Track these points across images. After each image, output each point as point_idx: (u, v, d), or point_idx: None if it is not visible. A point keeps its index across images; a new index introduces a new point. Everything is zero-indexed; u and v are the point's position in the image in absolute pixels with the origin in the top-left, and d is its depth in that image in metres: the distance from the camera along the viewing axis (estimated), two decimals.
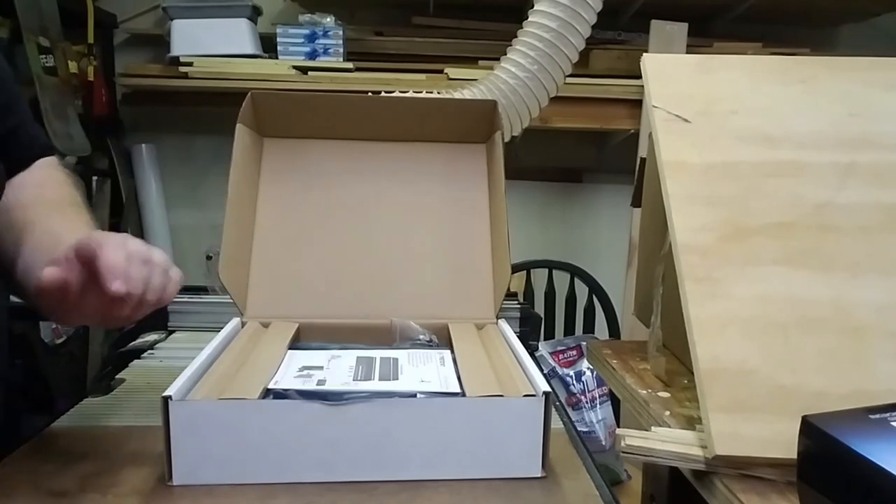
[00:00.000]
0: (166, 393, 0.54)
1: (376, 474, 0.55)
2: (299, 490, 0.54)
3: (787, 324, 0.55)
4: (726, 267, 0.58)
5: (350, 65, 1.96)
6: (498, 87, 1.23)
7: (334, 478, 0.55)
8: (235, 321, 0.77)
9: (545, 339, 1.67)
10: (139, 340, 0.93)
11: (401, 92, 1.27)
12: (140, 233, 2.21)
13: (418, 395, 0.57)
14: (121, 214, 2.19)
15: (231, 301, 0.78)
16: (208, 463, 0.54)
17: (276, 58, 1.97)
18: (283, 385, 0.58)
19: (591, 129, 2.08)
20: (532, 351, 0.71)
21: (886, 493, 0.38)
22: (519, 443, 0.56)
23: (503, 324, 0.81)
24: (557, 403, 0.74)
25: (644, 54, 0.73)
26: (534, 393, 0.56)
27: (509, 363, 0.66)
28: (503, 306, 0.92)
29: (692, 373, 0.55)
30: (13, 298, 0.70)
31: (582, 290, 1.89)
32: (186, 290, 1.10)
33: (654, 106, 0.68)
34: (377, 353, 0.69)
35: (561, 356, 1.57)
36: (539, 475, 0.56)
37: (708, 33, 2.13)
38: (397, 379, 0.61)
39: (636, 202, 0.88)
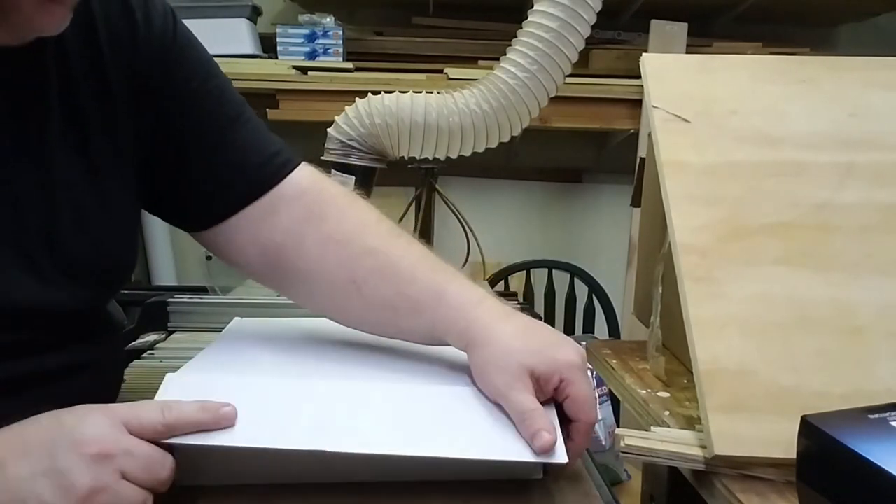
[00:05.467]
0: (160, 390, 0.54)
1: (377, 475, 0.55)
2: (300, 490, 0.54)
3: (786, 324, 0.55)
4: (726, 267, 0.58)
5: (350, 65, 1.96)
6: (498, 87, 1.23)
7: (334, 479, 0.55)
8: (237, 320, 0.77)
9: None
10: (139, 340, 0.93)
11: (400, 92, 1.27)
12: (140, 233, 2.21)
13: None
14: None
15: (231, 301, 0.78)
16: (207, 463, 0.54)
17: (276, 58, 1.97)
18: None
19: (591, 129, 2.07)
20: None
21: (886, 493, 0.38)
22: (520, 444, 0.55)
23: None
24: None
25: (644, 54, 0.73)
26: None
27: None
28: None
29: (692, 373, 0.55)
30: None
31: (582, 290, 1.89)
32: (186, 290, 1.10)
33: (653, 106, 0.68)
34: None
35: None
36: (540, 477, 0.56)
37: (708, 33, 2.13)
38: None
39: (636, 202, 0.88)
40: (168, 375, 0.55)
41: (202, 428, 0.49)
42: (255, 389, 0.54)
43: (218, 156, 0.64)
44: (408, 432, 0.52)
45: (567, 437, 0.54)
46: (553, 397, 0.55)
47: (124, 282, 0.67)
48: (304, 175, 0.68)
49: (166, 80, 0.62)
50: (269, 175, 0.66)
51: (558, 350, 0.55)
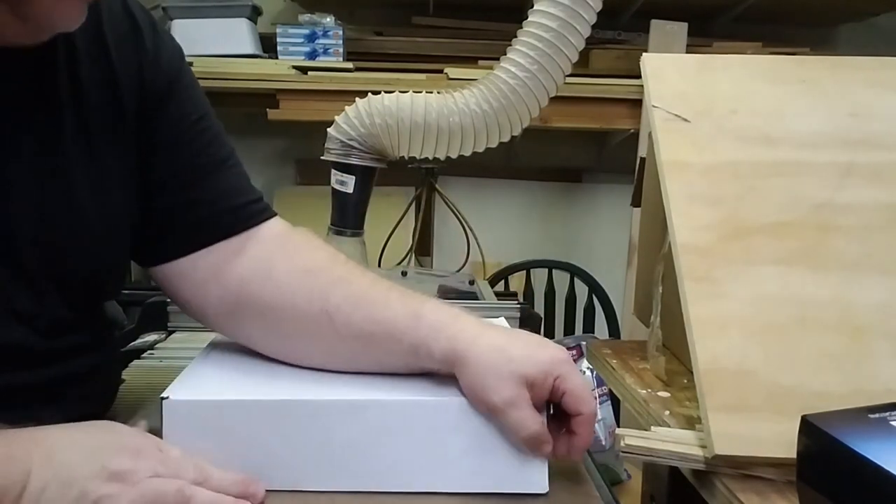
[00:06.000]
0: (164, 394, 0.54)
1: (375, 481, 0.55)
2: (297, 494, 0.54)
3: (786, 324, 0.55)
4: (726, 267, 0.58)
5: (350, 65, 1.96)
6: (498, 87, 1.23)
7: (332, 486, 0.54)
8: None
9: None
10: (139, 340, 0.93)
11: (400, 92, 1.27)
12: None
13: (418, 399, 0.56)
14: None
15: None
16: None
17: (276, 58, 1.97)
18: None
19: (591, 129, 2.08)
20: None
21: (886, 492, 0.38)
22: (520, 452, 0.55)
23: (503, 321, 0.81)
24: None
25: (644, 54, 0.73)
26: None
27: None
28: (503, 306, 0.92)
29: (692, 372, 0.55)
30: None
31: (582, 290, 1.89)
32: None
33: (653, 106, 0.68)
34: None
35: None
36: (545, 492, 0.55)
37: (708, 33, 2.13)
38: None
39: (636, 202, 0.88)
40: (167, 402, 0.54)
41: None
42: (256, 413, 0.54)
43: (198, 192, 0.64)
44: (403, 469, 0.54)
45: (570, 431, 0.55)
46: (548, 398, 0.55)
47: (118, 288, 0.68)
48: (278, 222, 0.68)
49: (166, 109, 0.63)
50: (245, 217, 0.66)
51: (544, 350, 0.55)
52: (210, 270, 0.64)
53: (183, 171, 0.64)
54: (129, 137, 0.62)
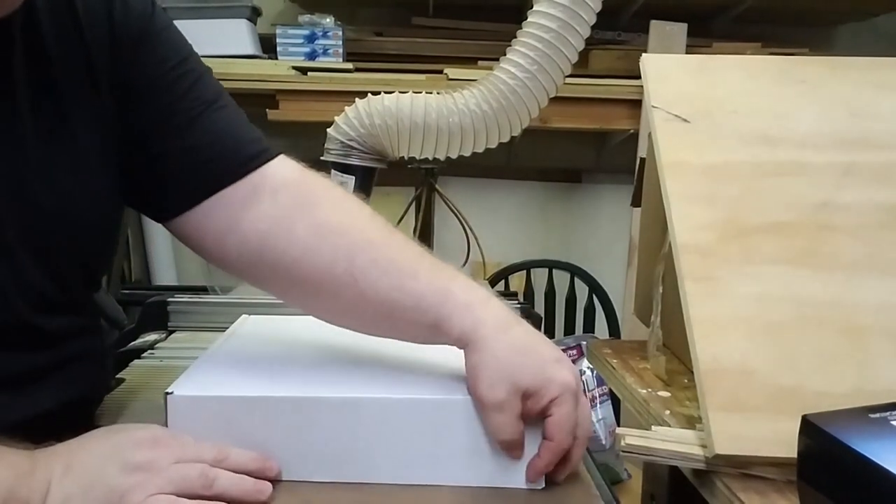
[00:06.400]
0: (169, 389, 0.54)
1: (376, 476, 0.55)
2: (297, 489, 0.54)
3: (787, 323, 0.55)
4: (726, 267, 0.58)
5: (350, 65, 1.96)
6: (497, 88, 1.23)
7: (332, 478, 0.55)
8: (244, 318, 0.77)
9: None
10: (139, 340, 0.93)
11: (400, 92, 1.27)
12: (140, 233, 2.21)
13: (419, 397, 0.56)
14: None
15: (232, 301, 0.78)
16: None
17: (276, 58, 1.97)
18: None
19: (591, 130, 2.08)
20: None
21: (886, 492, 0.38)
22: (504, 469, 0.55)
23: None
24: None
25: (644, 54, 0.73)
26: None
27: None
28: None
29: (692, 372, 0.55)
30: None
31: (582, 290, 1.89)
32: (186, 289, 1.10)
33: (653, 106, 0.68)
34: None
35: None
36: (542, 487, 0.55)
37: (707, 33, 2.13)
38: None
39: (636, 202, 0.88)
40: (171, 397, 0.54)
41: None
42: (260, 409, 0.55)
43: (190, 138, 0.61)
44: (404, 463, 0.55)
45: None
46: (539, 413, 0.54)
47: (104, 267, 0.66)
48: (288, 165, 0.66)
49: (141, 59, 0.60)
50: (246, 159, 0.63)
51: (555, 370, 0.54)
52: (224, 221, 0.61)
53: (168, 117, 0.61)
54: (103, 98, 0.59)
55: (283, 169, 0.65)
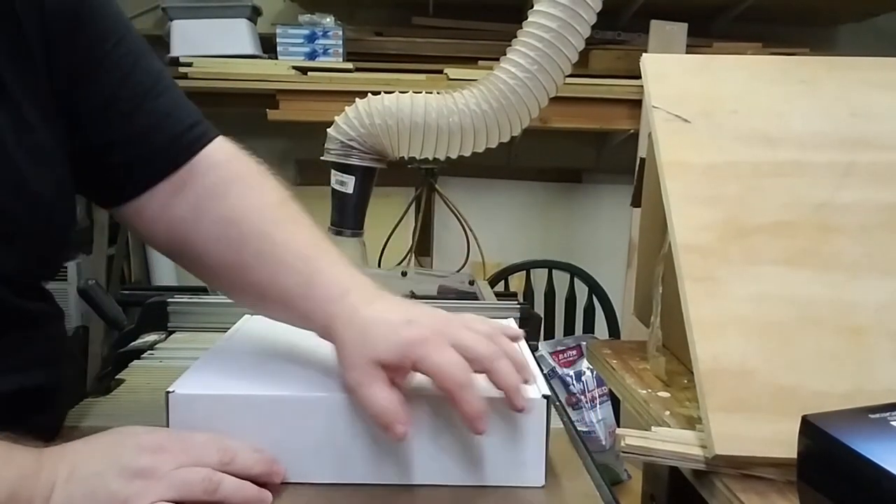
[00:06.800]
0: (170, 388, 0.54)
1: (376, 475, 0.55)
2: (298, 490, 0.54)
3: (786, 324, 0.55)
4: (726, 267, 0.58)
5: (350, 65, 1.96)
6: (497, 88, 1.23)
7: (334, 479, 0.55)
8: (246, 318, 0.77)
9: (545, 339, 1.67)
10: (139, 341, 0.93)
11: (400, 92, 1.27)
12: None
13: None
14: None
15: (232, 301, 0.78)
16: None
17: (276, 58, 1.97)
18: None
19: (591, 130, 2.08)
20: (532, 351, 0.71)
21: (886, 492, 0.38)
22: (519, 448, 0.55)
23: (511, 322, 0.81)
24: (557, 404, 0.74)
25: (644, 54, 0.73)
26: (533, 395, 0.56)
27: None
28: (503, 306, 0.92)
29: (692, 373, 0.55)
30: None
31: (582, 290, 1.89)
32: (186, 290, 1.10)
33: (653, 106, 0.68)
34: None
35: (561, 356, 1.57)
36: (541, 485, 0.55)
37: (708, 33, 2.13)
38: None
39: (636, 202, 0.88)
40: (173, 396, 0.54)
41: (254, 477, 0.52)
42: (260, 408, 0.55)
43: (131, 127, 0.62)
44: (403, 462, 0.55)
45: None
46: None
47: (62, 248, 0.64)
48: (219, 149, 0.66)
49: (75, 37, 0.59)
50: (182, 149, 0.64)
51: (406, 331, 0.53)
52: (156, 210, 0.63)
53: (111, 103, 0.61)
54: (39, 80, 0.58)
55: (214, 151, 0.66)
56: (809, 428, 0.44)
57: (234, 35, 1.98)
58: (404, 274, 1.32)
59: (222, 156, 0.66)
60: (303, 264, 0.60)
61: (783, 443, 0.47)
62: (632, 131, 2.01)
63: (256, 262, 0.61)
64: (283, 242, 0.62)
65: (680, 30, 1.98)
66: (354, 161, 1.27)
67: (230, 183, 0.65)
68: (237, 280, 0.62)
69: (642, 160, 0.86)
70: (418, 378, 0.59)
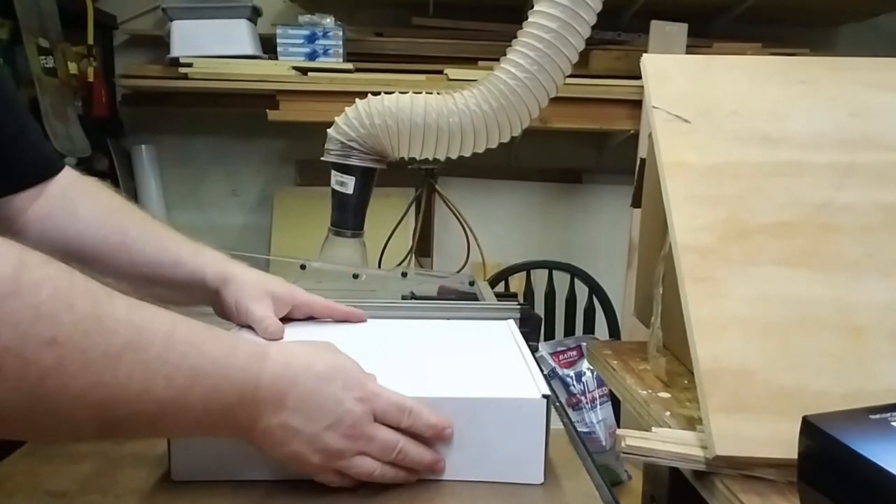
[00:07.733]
0: None
1: None
2: (300, 488, 0.54)
3: (787, 324, 0.55)
4: (726, 267, 0.58)
5: (350, 65, 1.96)
6: (497, 88, 1.23)
7: None
8: None
9: (545, 340, 1.67)
10: None
11: (400, 93, 1.27)
12: None
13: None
14: None
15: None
16: (209, 459, 0.54)
17: (276, 58, 1.97)
18: None
19: (591, 130, 2.08)
20: (532, 351, 0.71)
21: (887, 493, 0.38)
22: (518, 446, 0.55)
23: (511, 324, 0.81)
24: (557, 404, 0.74)
25: (644, 55, 0.73)
26: (533, 395, 0.56)
27: (510, 363, 0.65)
28: (503, 307, 0.92)
29: (692, 373, 0.55)
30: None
31: (582, 291, 1.89)
32: None
33: (654, 106, 0.68)
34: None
35: (561, 357, 1.57)
36: (540, 482, 0.56)
37: (708, 34, 2.13)
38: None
39: (636, 202, 0.88)
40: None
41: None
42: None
43: (9, 152, 0.69)
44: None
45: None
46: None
47: None
48: (71, 173, 0.75)
49: None
50: (39, 171, 0.72)
51: (296, 290, 0.75)
52: (26, 203, 0.70)
53: None
54: None
55: (66, 176, 0.75)
56: (810, 428, 0.44)
57: (234, 35, 1.98)
58: (404, 274, 1.32)
59: (74, 174, 0.76)
60: (185, 240, 0.75)
61: (784, 443, 0.47)
62: (632, 131, 2.01)
63: (144, 237, 0.73)
64: (162, 226, 0.75)
65: (680, 30, 1.98)
66: (354, 161, 1.27)
67: (95, 187, 0.76)
68: (123, 256, 0.72)
69: (642, 160, 0.86)
70: (418, 379, 0.59)
